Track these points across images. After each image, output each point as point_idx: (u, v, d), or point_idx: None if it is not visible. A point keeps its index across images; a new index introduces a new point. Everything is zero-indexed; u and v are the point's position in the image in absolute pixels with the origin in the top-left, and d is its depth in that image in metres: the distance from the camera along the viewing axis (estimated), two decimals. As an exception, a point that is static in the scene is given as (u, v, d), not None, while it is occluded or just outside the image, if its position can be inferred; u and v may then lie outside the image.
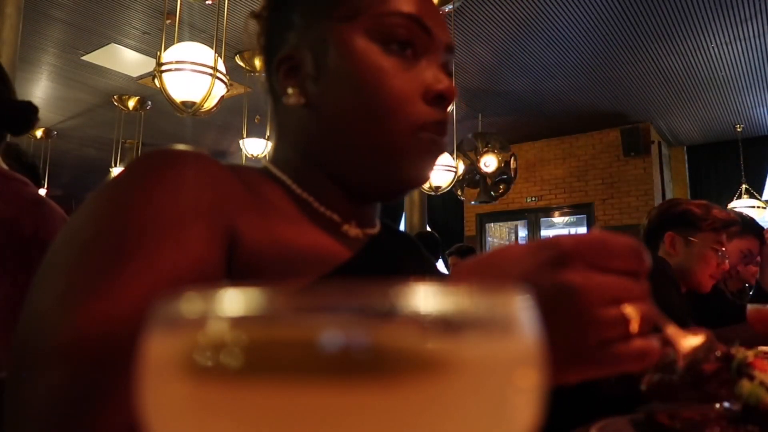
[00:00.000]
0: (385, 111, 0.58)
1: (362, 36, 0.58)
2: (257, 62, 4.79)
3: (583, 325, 0.35)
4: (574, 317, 0.35)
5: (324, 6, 0.61)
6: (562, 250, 0.37)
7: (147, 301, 0.41)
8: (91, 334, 0.39)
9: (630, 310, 0.36)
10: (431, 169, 0.63)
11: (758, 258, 2.19)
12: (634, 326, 0.36)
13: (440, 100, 0.60)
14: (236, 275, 0.50)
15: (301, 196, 0.61)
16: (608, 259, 0.36)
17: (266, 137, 5.03)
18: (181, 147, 0.54)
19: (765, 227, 2.20)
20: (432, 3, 0.63)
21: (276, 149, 0.67)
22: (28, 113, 1.24)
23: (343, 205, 0.63)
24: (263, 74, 0.69)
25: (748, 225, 2.18)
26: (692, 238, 1.79)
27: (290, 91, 0.61)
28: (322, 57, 0.60)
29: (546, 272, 0.36)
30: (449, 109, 0.62)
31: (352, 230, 0.63)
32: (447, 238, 5.94)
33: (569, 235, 0.38)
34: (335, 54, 0.59)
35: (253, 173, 0.61)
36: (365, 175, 0.61)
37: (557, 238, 0.38)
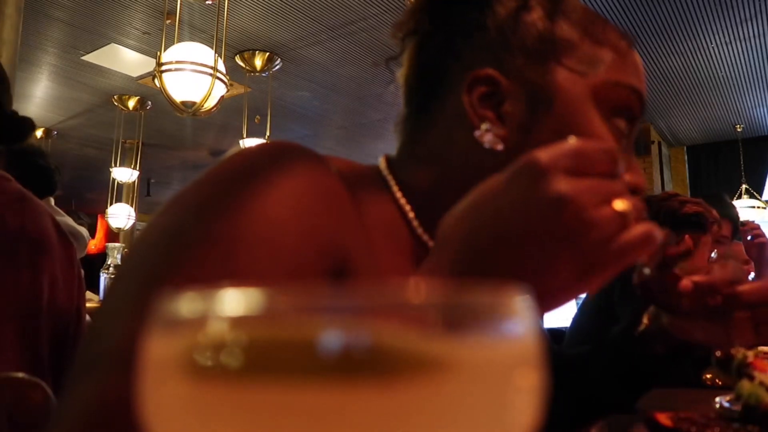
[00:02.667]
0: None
1: (590, 98, 0.50)
2: (257, 62, 4.80)
3: (583, 230, 0.35)
4: (573, 225, 0.35)
5: (554, 43, 0.51)
6: (539, 166, 0.36)
7: None
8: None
9: (621, 205, 0.36)
10: None
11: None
12: (629, 218, 0.36)
13: (635, 192, 0.54)
14: None
15: (422, 237, 0.52)
16: (586, 165, 0.36)
17: (266, 137, 5.03)
18: (296, 146, 0.46)
19: (741, 221, 2.20)
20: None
21: (404, 162, 0.56)
22: (24, 128, 1.25)
23: None
24: (415, 68, 0.57)
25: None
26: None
27: (485, 126, 0.50)
28: (541, 106, 0.50)
29: (531, 193, 0.36)
30: None
31: None
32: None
33: (542, 149, 0.37)
34: (560, 110, 0.50)
35: (365, 182, 0.52)
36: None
37: (529, 155, 0.37)
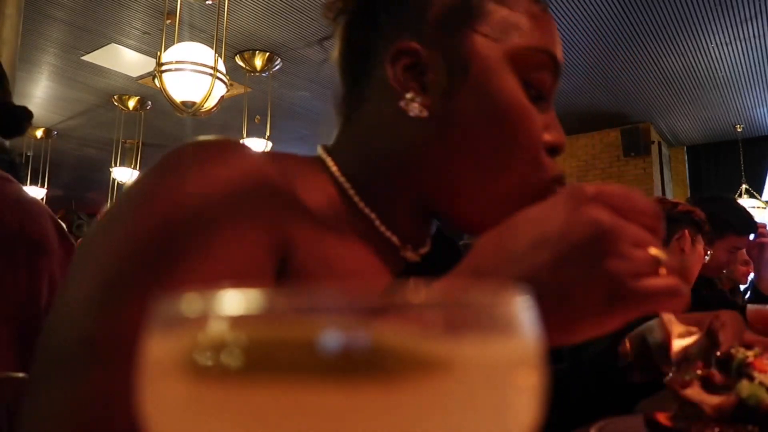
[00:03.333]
0: (516, 153, 0.52)
1: (505, 62, 0.52)
2: (257, 62, 4.80)
3: (616, 259, 0.35)
4: (608, 250, 0.35)
5: (468, 12, 0.54)
6: (586, 194, 0.37)
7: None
8: (124, 337, 0.37)
9: (656, 252, 0.36)
10: None
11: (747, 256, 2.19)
12: (661, 268, 0.36)
13: (557, 151, 0.56)
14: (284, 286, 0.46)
15: (363, 211, 0.55)
16: (630, 209, 0.37)
17: (266, 137, 5.04)
18: (232, 140, 0.47)
19: (759, 223, 2.20)
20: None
21: (341, 143, 0.58)
22: (22, 118, 1.25)
23: (406, 228, 0.57)
24: (346, 46, 0.59)
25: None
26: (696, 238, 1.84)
27: (410, 96, 0.53)
28: (461, 72, 0.52)
29: (573, 213, 0.36)
30: None
31: (409, 253, 0.57)
32: (447, 238, 5.94)
33: (589, 183, 0.38)
34: (479, 75, 0.52)
35: (305, 170, 0.54)
36: (469, 213, 0.55)
37: (575, 185, 0.38)
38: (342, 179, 0.55)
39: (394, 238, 0.56)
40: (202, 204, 0.42)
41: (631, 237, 0.35)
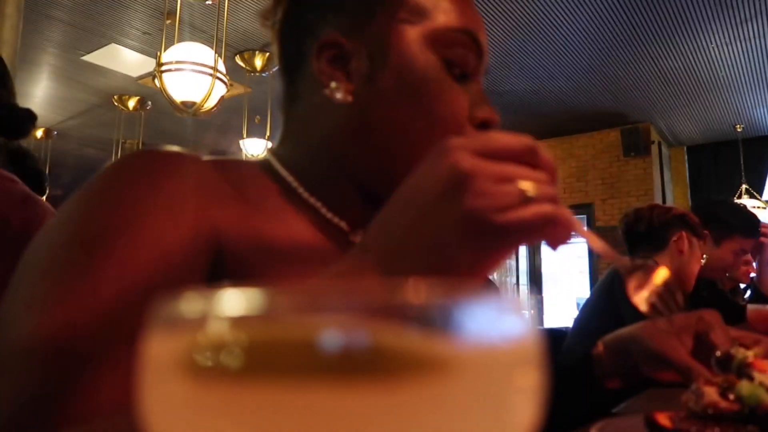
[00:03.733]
0: (437, 127, 0.54)
1: (423, 43, 0.55)
2: (257, 62, 4.79)
3: (475, 196, 0.35)
4: (466, 191, 0.35)
5: (384, 0, 0.56)
6: (447, 145, 0.37)
7: (115, 306, 0.41)
8: (54, 340, 0.39)
9: (526, 185, 0.36)
10: None
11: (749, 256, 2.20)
12: (532, 197, 0.36)
13: (486, 125, 0.57)
14: (222, 281, 0.48)
15: (308, 200, 0.57)
16: (495, 149, 0.37)
17: (266, 137, 5.03)
18: (164, 147, 0.51)
19: (761, 223, 2.21)
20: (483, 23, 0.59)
21: (284, 142, 0.61)
22: (26, 120, 1.25)
23: (354, 212, 0.58)
24: (281, 49, 0.63)
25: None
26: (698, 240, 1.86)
27: (334, 84, 0.56)
28: (381, 57, 0.55)
29: (432, 168, 0.37)
30: None
31: (359, 238, 0.58)
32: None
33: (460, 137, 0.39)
34: (397, 57, 0.55)
35: (247, 169, 0.57)
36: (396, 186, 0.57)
37: (445, 141, 0.39)
38: (285, 172, 0.58)
39: (342, 224, 0.57)
40: (129, 206, 0.46)
41: (491, 174, 0.36)
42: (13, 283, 0.45)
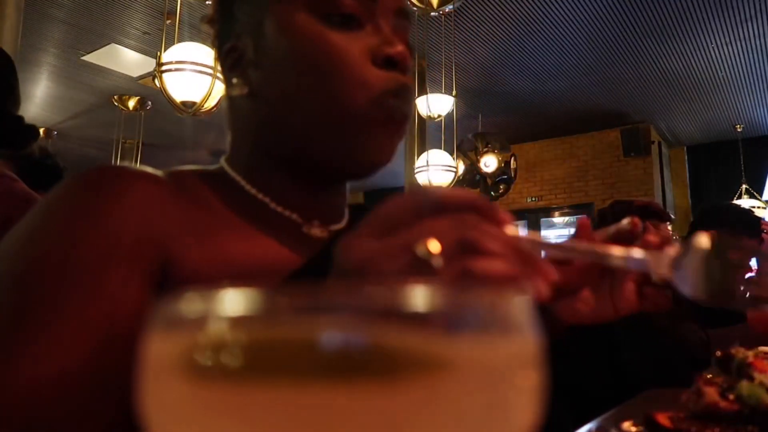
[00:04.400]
0: (332, 82, 0.53)
1: (301, 12, 0.54)
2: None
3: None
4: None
5: None
6: (344, 244, 0.37)
7: (69, 359, 0.41)
8: (7, 403, 0.39)
9: (431, 245, 0.33)
10: (397, 141, 0.57)
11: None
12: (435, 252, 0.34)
13: (393, 63, 0.54)
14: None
15: (256, 197, 0.57)
16: (387, 224, 0.36)
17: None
18: (107, 166, 0.51)
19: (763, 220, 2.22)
20: None
21: (231, 147, 0.62)
22: (28, 135, 1.25)
23: (304, 201, 0.58)
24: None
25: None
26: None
27: (234, 81, 0.58)
28: (261, 39, 0.56)
29: (339, 267, 0.37)
30: (408, 74, 0.56)
31: (315, 230, 0.58)
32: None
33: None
34: (273, 34, 0.55)
35: (200, 178, 0.57)
36: (322, 158, 0.56)
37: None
38: (233, 173, 0.59)
39: (294, 216, 0.57)
40: (78, 239, 0.46)
41: (391, 254, 0.35)
42: None
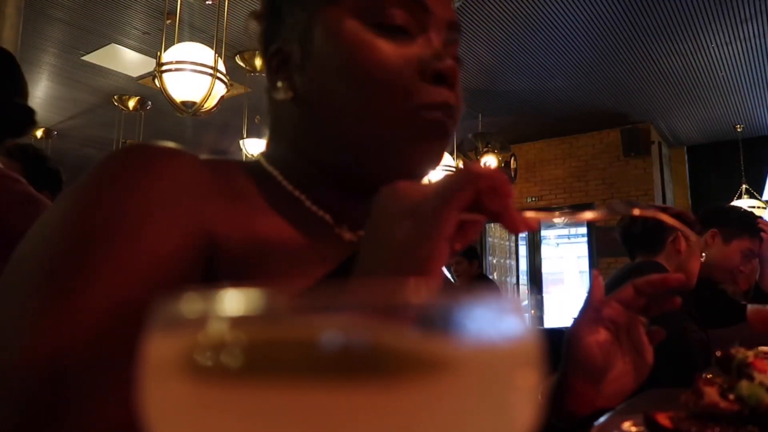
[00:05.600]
0: (377, 91, 0.53)
1: (351, 18, 0.54)
2: (257, 62, 4.79)
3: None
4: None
5: None
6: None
7: (109, 321, 0.40)
8: (47, 361, 0.39)
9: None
10: (436, 156, 0.56)
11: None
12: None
13: (440, 79, 0.53)
14: (218, 279, 0.47)
15: (293, 193, 0.58)
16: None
17: (266, 137, 5.03)
18: (156, 143, 0.51)
19: (760, 220, 2.23)
20: None
21: (269, 145, 0.63)
22: (27, 119, 1.25)
23: (337, 205, 0.58)
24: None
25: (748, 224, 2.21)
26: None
27: (279, 84, 0.58)
28: (308, 44, 0.56)
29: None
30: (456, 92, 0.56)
31: (346, 233, 0.58)
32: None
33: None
34: (320, 38, 0.55)
35: (239, 168, 0.58)
36: (360, 167, 0.56)
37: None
38: (271, 169, 0.59)
39: (327, 217, 0.58)
40: (121, 208, 0.45)
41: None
42: (2, 293, 0.44)
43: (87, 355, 0.39)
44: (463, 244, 0.40)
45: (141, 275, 0.43)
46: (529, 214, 0.40)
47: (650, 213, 0.54)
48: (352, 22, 0.54)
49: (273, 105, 0.62)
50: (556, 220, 0.48)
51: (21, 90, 1.29)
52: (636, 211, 0.55)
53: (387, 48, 0.53)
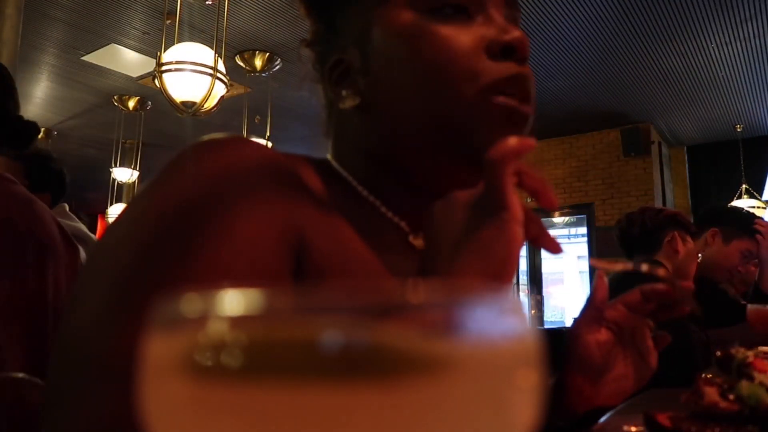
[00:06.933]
0: (444, 77, 0.50)
1: (407, 10, 0.52)
2: (257, 62, 4.80)
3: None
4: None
5: (363, 2, 0.55)
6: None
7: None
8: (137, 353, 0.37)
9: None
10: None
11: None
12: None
13: (510, 52, 0.51)
14: (303, 280, 0.45)
15: (368, 198, 0.56)
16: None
17: (266, 137, 5.03)
18: (231, 138, 0.48)
19: (757, 219, 2.22)
20: None
21: (335, 148, 0.60)
22: (29, 133, 1.26)
23: (412, 212, 0.56)
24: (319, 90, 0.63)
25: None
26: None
27: (344, 93, 0.55)
28: (368, 47, 0.54)
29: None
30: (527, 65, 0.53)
31: (419, 241, 0.56)
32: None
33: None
34: (381, 38, 0.53)
35: (309, 166, 0.55)
36: (434, 164, 0.54)
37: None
38: (342, 171, 0.57)
39: (403, 224, 0.56)
40: (213, 190, 0.42)
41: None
42: (83, 289, 0.41)
43: None
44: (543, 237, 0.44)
45: (237, 276, 0.40)
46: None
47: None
48: (407, 13, 0.52)
49: (336, 117, 0.60)
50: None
51: (18, 102, 1.30)
52: (644, 267, 0.59)
53: (448, 31, 0.51)
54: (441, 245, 0.42)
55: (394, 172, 0.56)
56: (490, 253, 0.40)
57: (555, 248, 0.42)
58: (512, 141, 0.43)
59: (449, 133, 0.51)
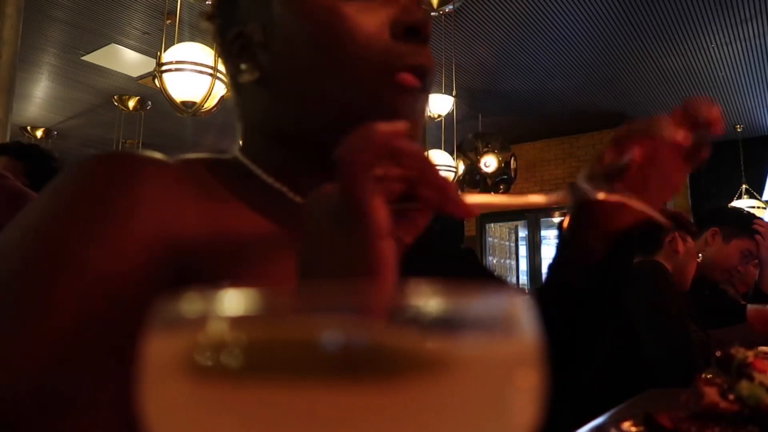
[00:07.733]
0: (347, 54, 0.50)
1: None
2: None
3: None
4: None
5: None
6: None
7: (66, 343, 0.39)
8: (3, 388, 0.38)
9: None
10: (417, 118, 0.53)
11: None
12: None
13: (413, 33, 0.51)
14: (193, 283, 0.45)
15: (273, 186, 0.55)
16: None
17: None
18: (114, 154, 0.49)
19: (755, 219, 2.22)
20: None
21: (242, 137, 0.60)
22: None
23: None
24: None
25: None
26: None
27: (243, 67, 0.55)
28: (269, 20, 0.53)
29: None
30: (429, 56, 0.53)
31: None
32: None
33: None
34: (282, 11, 0.52)
35: (212, 166, 0.55)
36: (338, 139, 0.54)
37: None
38: (246, 161, 0.57)
39: None
40: (70, 216, 0.44)
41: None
42: None
43: (40, 387, 0.38)
44: (413, 234, 0.39)
45: (96, 300, 0.41)
46: (472, 199, 0.40)
47: (616, 198, 0.52)
48: None
49: (239, 92, 0.59)
50: (496, 198, 0.45)
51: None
52: (600, 195, 0.54)
53: (351, 9, 0.50)
54: (308, 251, 0.39)
55: (297, 150, 0.56)
56: (354, 272, 0.35)
57: (461, 212, 0.37)
58: (371, 132, 0.35)
59: (352, 111, 0.51)
